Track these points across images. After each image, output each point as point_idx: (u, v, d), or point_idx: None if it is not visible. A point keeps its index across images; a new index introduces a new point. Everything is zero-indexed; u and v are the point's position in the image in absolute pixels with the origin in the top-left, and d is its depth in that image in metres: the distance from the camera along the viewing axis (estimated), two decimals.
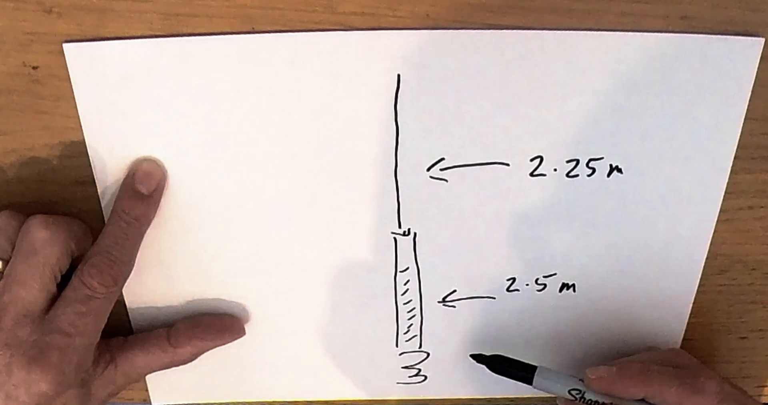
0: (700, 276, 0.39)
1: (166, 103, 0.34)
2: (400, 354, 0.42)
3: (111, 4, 0.32)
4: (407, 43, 0.33)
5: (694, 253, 0.39)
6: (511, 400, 0.44)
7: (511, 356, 0.39)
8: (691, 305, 0.40)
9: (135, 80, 0.34)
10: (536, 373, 0.38)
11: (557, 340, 0.41)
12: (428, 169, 0.36)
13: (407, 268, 0.39)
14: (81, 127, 0.35)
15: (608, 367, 0.37)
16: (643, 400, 0.36)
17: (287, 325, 0.41)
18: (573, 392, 0.37)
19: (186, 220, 0.37)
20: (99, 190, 0.37)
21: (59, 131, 0.35)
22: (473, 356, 0.40)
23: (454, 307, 0.40)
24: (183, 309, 0.40)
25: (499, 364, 0.39)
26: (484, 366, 0.40)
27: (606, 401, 0.37)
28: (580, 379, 0.38)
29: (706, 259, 0.39)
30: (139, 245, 0.36)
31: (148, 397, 0.43)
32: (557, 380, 0.38)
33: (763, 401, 0.45)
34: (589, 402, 0.37)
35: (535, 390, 0.39)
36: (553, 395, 0.39)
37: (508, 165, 0.36)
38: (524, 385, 0.39)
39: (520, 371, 0.39)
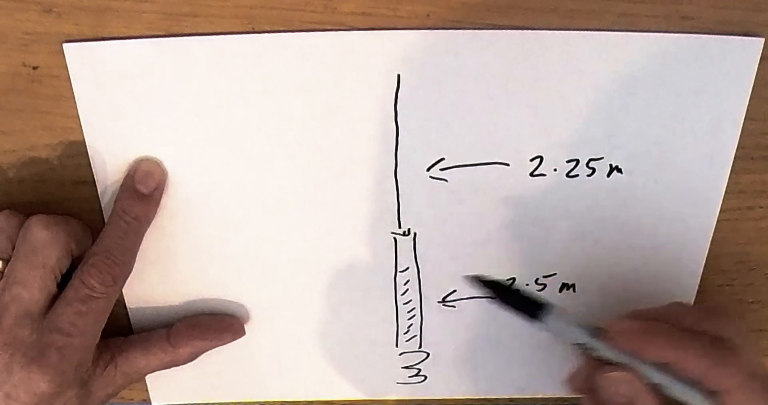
0: (700, 276, 0.39)
1: (166, 103, 0.34)
2: (400, 354, 0.42)
3: (111, 4, 0.32)
4: (407, 43, 0.33)
5: (694, 253, 0.39)
6: (511, 400, 0.44)
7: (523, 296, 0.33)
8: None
9: (135, 80, 0.34)
10: (548, 314, 0.33)
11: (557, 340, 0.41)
12: (428, 169, 0.36)
13: (407, 268, 0.39)
14: (81, 127, 0.35)
15: (633, 320, 0.32)
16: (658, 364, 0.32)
17: (287, 325, 0.41)
18: (582, 346, 0.33)
19: (186, 220, 0.37)
20: (99, 190, 0.37)
21: (59, 131, 0.35)
22: (470, 278, 0.35)
23: (454, 307, 0.40)
24: (183, 309, 0.40)
25: (504, 294, 0.34)
26: (488, 363, 0.39)
27: (620, 361, 0.32)
28: (595, 330, 0.33)
29: (706, 259, 0.39)
30: (139, 245, 0.36)
31: (148, 397, 0.43)
32: (569, 328, 0.33)
33: None
34: (599, 358, 0.33)
35: (536, 390, 0.38)
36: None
37: (508, 165, 0.36)
38: (523, 384, 0.38)
39: (529, 307, 0.33)
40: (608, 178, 0.36)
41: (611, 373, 0.32)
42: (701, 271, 0.39)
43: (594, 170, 0.36)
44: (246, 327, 0.41)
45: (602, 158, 0.36)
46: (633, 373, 0.32)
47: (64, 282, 0.35)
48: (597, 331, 0.33)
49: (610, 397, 0.32)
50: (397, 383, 0.43)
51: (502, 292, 0.34)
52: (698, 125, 0.35)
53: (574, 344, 0.33)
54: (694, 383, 0.32)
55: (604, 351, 0.33)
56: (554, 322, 0.33)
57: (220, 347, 0.40)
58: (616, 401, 0.32)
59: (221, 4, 0.32)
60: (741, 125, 0.35)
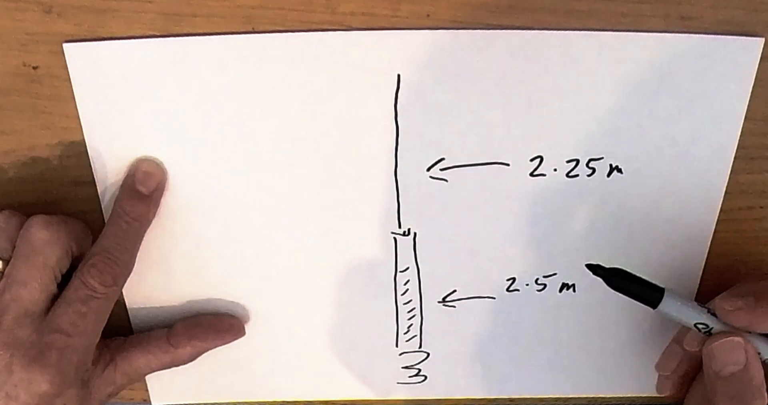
0: (700, 276, 0.39)
1: (166, 103, 0.34)
2: (400, 354, 0.42)
3: (111, 4, 0.32)
4: (407, 43, 0.33)
5: (694, 253, 0.39)
6: (511, 400, 0.44)
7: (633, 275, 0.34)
8: None
9: (135, 80, 0.34)
10: (665, 296, 0.34)
11: (557, 340, 0.41)
12: (428, 169, 0.36)
13: (407, 268, 0.39)
14: (81, 127, 0.35)
15: (743, 297, 0.33)
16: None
17: (287, 325, 0.41)
18: (699, 326, 0.34)
19: (186, 220, 0.37)
20: (99, 190, 0.37)
21: (59, 131, 0.35)
22: (589, 266, 0.35)
23: (454, 307, 0.40)
24: (183, 309, 0.40)
25: (618, 280, 0.35)
26: (488, 363, 0.39)
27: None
28: (707, 309, 0.34)
29: (706, 259, 0.39)
30: (139, 245, 0.36)
31: (148, 397, 0.43)
32: (685, 308, 0.34)
33: None
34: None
35: (536, 390, 0.38)
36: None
37: (508, 165, 0.36)
38: (522, 384, 0.38)
39: (645, 291, 0.34)
40: (608, 178, 0.36)
41: (725, 339, 0.33)
42: (701, 271, 0.39)
43: (594, 170, 0.36)
44: (246, 327, 0.41)
45: (602, 158, 0.36)
46: (745, 339, 0.33)
47: (64, 282, 0.35)
48: (707, 311, 0.34)
49: (723, 366, 0.33)
50: (397, 383, 0.43)
51: (614, 280, 0.35)
52: (698, 125, 0.35)
53: (695, 324, 0.34)
54: None
55: (718, 328, 0.34)
56: (670, 304, 0.34)
57: (220, 347, 0.40)
58: (728, 370, 0.33)
59: (221, 4, 0.32)
60: (741, 125, 0.35)
